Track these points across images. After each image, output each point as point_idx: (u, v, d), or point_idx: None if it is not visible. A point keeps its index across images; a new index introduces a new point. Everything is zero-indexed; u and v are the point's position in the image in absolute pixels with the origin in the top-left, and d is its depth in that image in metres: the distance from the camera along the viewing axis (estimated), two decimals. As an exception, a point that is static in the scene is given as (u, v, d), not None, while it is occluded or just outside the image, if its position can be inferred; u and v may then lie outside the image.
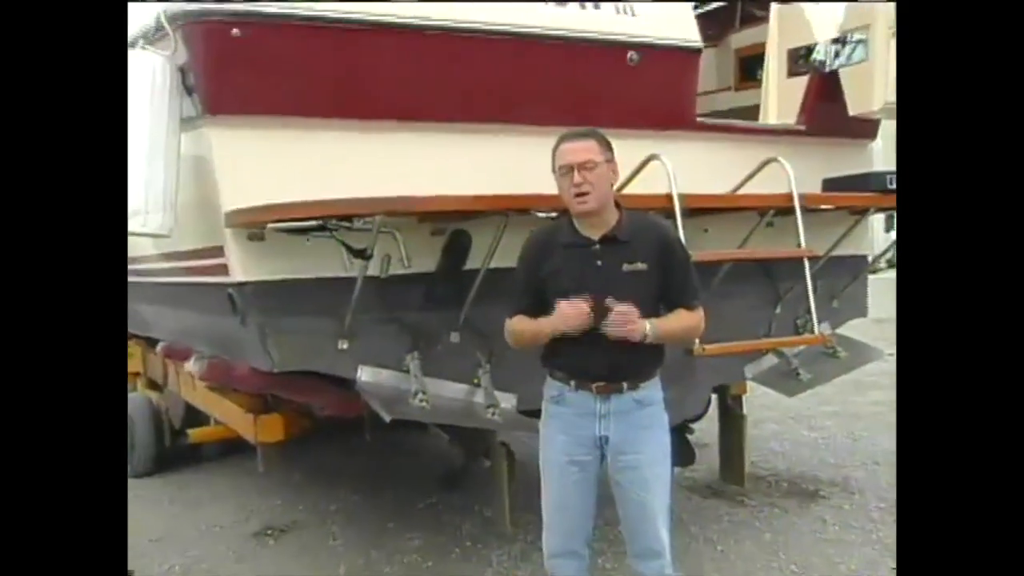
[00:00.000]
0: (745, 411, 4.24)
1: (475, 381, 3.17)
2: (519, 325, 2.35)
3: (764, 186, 3.34)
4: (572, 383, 2.28)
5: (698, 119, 3.54)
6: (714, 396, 4.06)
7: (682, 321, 2.30)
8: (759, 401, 5.36)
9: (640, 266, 2.24)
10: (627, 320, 2.15)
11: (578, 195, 2.22)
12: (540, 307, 2.34)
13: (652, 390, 2.31)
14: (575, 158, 2.23)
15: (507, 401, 3.17)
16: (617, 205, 2.32)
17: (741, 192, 3.41)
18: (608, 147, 2.27)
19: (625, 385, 2.26)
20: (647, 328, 2.20)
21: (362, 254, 2.76)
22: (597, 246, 2.27)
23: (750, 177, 3.39)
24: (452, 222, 3.07)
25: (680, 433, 3.83)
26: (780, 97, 3.92)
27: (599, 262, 2.26)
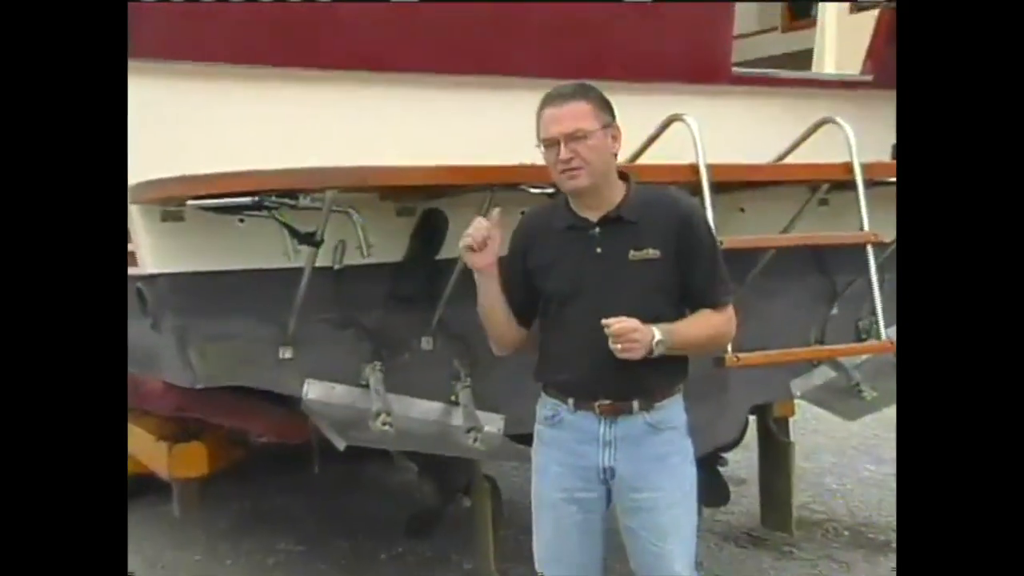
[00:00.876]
0: (792, 438, 4.34)
1: (452, 398, 3.24)
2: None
3: (817, 154, 3.41)
4: (570, 401, 2.35)
5: (734, 69, 3.61)
6: (752, 419, 4.16)
7: (707, 325, 2.34)
8: (811, 425, 5.47)
9: (651, 253, 2.29)
10: (624, 338, 2.17)
11: (567, 170, 2.27)
12: (529, 307, 2.41)
13: (671, 411, 2.37)
14: (560, 128, 2.24)
15: (492, 424, 3.24)
16: (623, 177, 2.37)
17: (788, 161, 3.48)
18: (605, 107, 2.31)
19: (636, 404, 2.32)
20: (654, 338, 2.21)
21: (310, 239, 2.83)
22: (596, 229, 2.31)
23: (800, 142, 3.46)
24: (423, 200, 3.13)
25: (709, 466, 3.89)
26: (840, 39, 4.00)
27: (599, 249, 2.30)
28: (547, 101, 2.29)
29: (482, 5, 3.13)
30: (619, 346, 2.18)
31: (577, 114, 2.25)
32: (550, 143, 2.28)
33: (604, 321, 2.19)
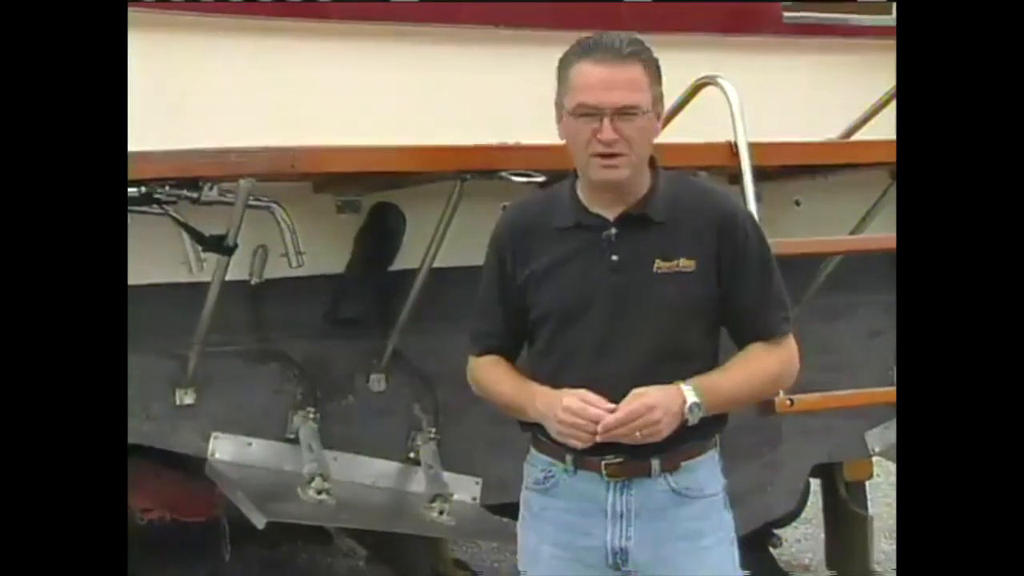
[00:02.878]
0: (871, 510, 4.34)
1: (411, 456, 3.27)
2: (491, 380, 2.42)
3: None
4: (568, 458, 2.34)
5: (785, 14, 3.66)
6: (815, 483, 4.19)
7: (758, 371, 2.36)
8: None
9: (683, 264, 2.29)
10: (642, 422, 2.18)
11: (603, 156, 2.26)
12: (520, 335, 2.43)
13: (703, 472, 2.38)
14: (611, 97, 2.22)
15: (465, 490, 3.27)
16: (650, 163, 2.37)
17: (860, 137, 3.53)
18: (657, 74, 2.31)
19: (656, 463, 2.31)
20: (685, 403, 2.22)
21: (218, 245, 2.86)
22: (613, 230, 2.32)
23: (876, 111, 3.51)
24: (372, 191, 3.17)
25: (759, 547, 3.94)
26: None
27: (614, 256, 2.31)
28: (591, 52, 2.26)
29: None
30: (638, 434, 2.21)
31: (632, 82, 2.24)
32: (589, 112, 2.23)
33: (602, 424, 2.19)
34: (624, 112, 2.23)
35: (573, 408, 2.22)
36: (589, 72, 2.25)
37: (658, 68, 2.31)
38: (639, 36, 2.31)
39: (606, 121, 2.22)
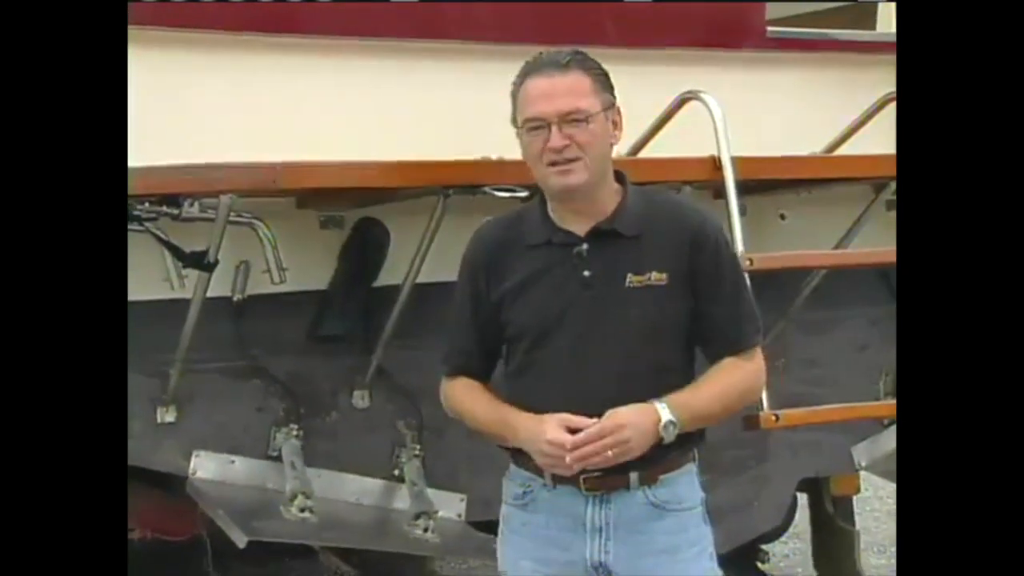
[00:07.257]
0: (858, 525, 4.34)
1: (395, 473, 3.27)
2: (467, 405, 2.43)
3: (882, 141, 3.46)
4: (547, 474, 2.34)
5: (769, 29, 3.69)
6: (803, 497, 4.19)
7: (731, 384, 2.38)
8: (885, 506, 5.48)
9: (655, 277, 2.32)
10: (612, 440, 2.20)
11: (556, 163, 2.29)
12: (494, 353, 2.45)
13: (682, 486, 2.39)
14: (554, 106, 2.26)
15: (449, 507, 3.27)
16: (619, 178, 2.40)
17: (844, 151, 3.56)
18: (606, 83, 2.35)
19: (635, 477, 2.33)
20: (660, 422, 2.23)
21: (199, 261, 2.87)
22: (584, 246, 2.34)
23: (860, 125, 3.55)
24: (355, 207, 3.19)
25: (747, 563, 3.95)
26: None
27: (586, 272, 2.33)
28: (533, 69, 2.32)
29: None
30: (610, 453, 2.22)
31: (575, 89, 2.28)
32: (536, 125, 2.27)
33: (570, 443, 2.20)
34: (570, 118, 2.26)
35: (557, 441, 2.24)
36: (530, 87, 2.31)
37: (606, 77, 2.35)
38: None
39: (554, 129, 2.26)
